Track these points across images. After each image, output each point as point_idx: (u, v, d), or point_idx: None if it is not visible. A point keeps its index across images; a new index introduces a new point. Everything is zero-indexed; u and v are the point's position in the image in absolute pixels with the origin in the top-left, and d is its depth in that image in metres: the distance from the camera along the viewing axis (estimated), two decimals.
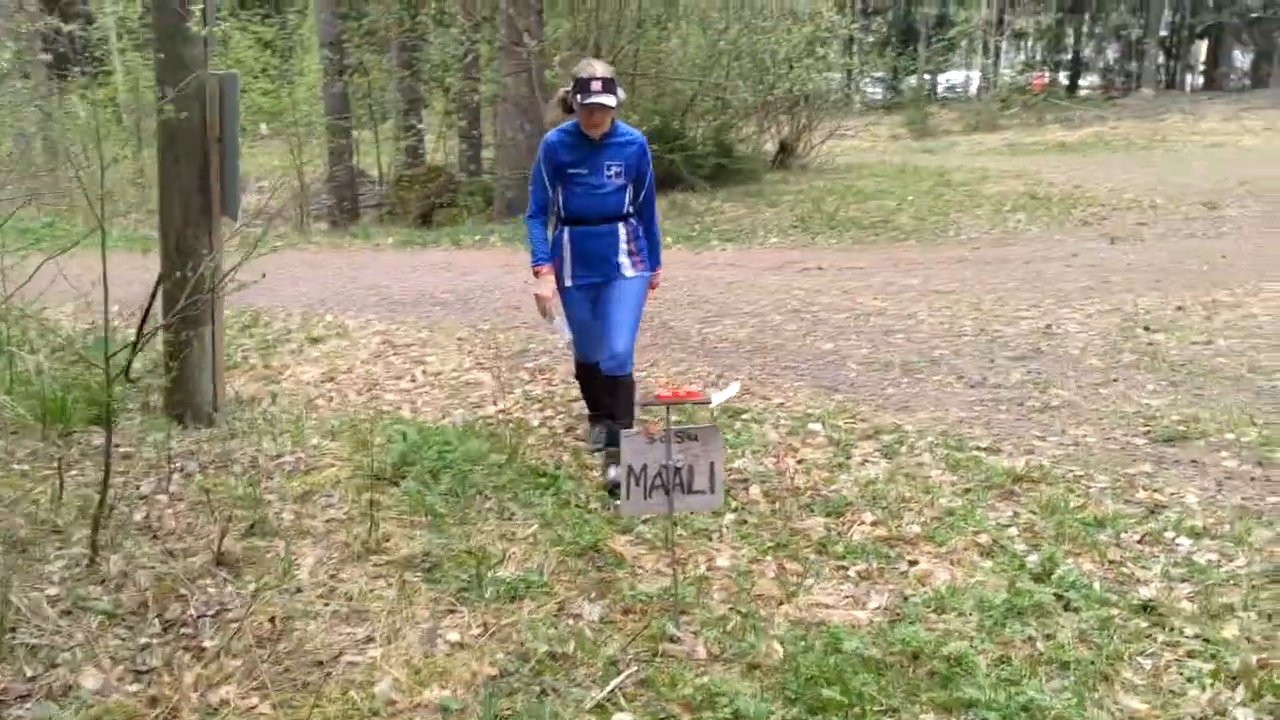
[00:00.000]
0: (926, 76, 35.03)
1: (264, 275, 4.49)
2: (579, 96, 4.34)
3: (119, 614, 3.55)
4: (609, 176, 4.56)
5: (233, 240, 5.59)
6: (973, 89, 36.15)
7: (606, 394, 4.85)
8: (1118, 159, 22.09)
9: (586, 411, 5.33)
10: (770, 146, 19.42)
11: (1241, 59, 35.75)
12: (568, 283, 4.74)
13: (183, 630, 3.49)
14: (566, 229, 4.68)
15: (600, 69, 4.37)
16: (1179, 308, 8.01)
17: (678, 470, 3.30)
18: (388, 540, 4.12)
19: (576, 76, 4.38)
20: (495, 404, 6.13)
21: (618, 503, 4.32)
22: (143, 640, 3.41)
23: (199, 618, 3.57)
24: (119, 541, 3.98)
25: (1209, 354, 6.64)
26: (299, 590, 3.74)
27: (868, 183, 17.39)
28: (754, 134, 18.72)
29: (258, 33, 18.01)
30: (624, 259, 4.69)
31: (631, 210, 4.72)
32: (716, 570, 3.83)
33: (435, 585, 3.74)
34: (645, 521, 4.24)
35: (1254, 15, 33.31)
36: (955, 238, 13.17)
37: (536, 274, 4.69)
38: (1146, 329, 7.33)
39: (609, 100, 4.32)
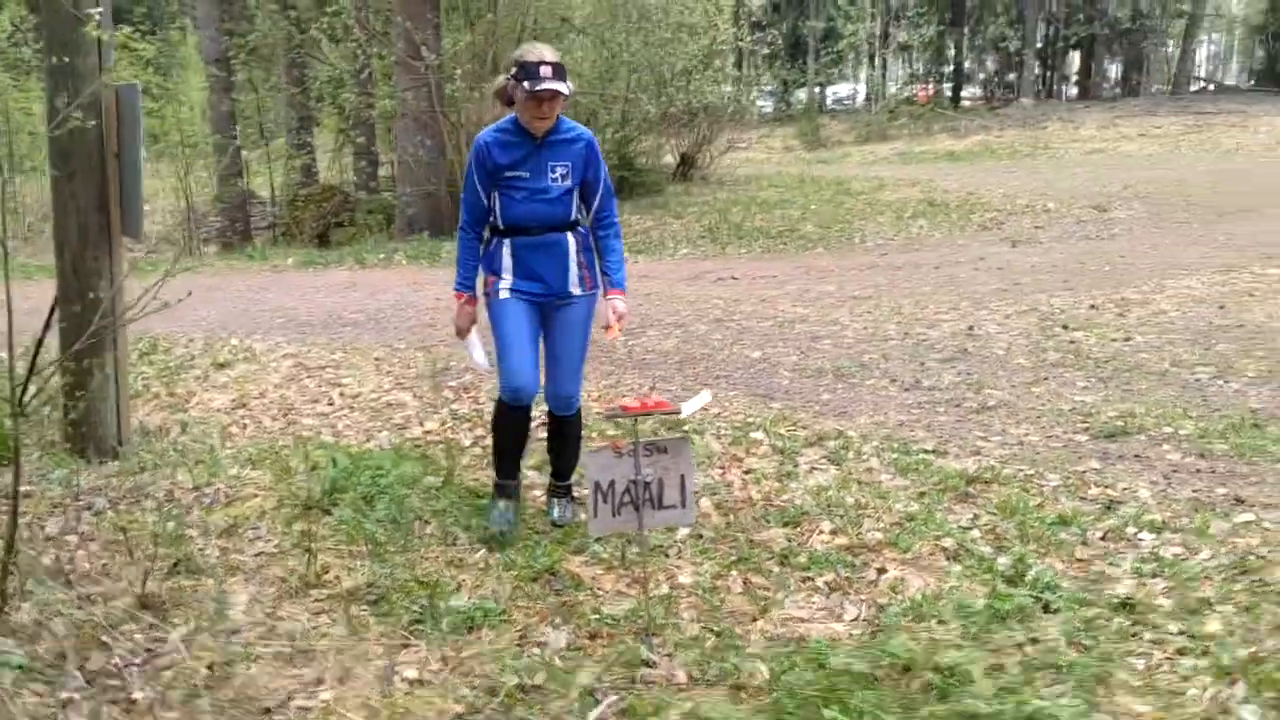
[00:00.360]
0: (816, 89, 35.61)
1: (189, 294, 4.18)
2: (526, 83, 3.65)
3: (35, 667, 3.22)
4: (553, 179, 3.89)
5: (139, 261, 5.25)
6: (860, 101, 36.86)
7: (550, 436, 4.33)
8: (1005, 166, 22.73)
9: (493, 479, 4.35)
10: (670, 159, 19.43)
11: (1112, 69, 37.14)
12: (503, 294, 4.01)
13: (109, 682, 3.18)
14: (506, 240, 3.98)
15: (548, 52, 3.74)
16: (1093, 306, 8.15)
17: (647, 485, 3.13)
18: (327, 572, 3.85)
19: (520, 60, 3.71)
20: (421, 424, 5.88)
21: (556, 517, 4.27)
22: (64, 695, 3.09)
23: (126, 667, 3.27)
24: (28, 589, 3.64)
25: (1129, 350, 6.74)
26: (235, 631, 3.45)
27: (770, 193, 17.50)
28: (654, 147, 18.71)
29: (137, 50, 17.34)
30: (573, 275, 4.02)
31: (580, 218, 4.08)
32: (681, 588, 3.67)
33: (385, 619, 3.49)
34: (599, 540, 4.06)
35: (1123, 27, 34.69)
36: (862, 244, 13.29)
37: (457, 298, 4.10)
38: (1065, 328, 7.42)
39: (561, 86, 3.68)
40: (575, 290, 4.03)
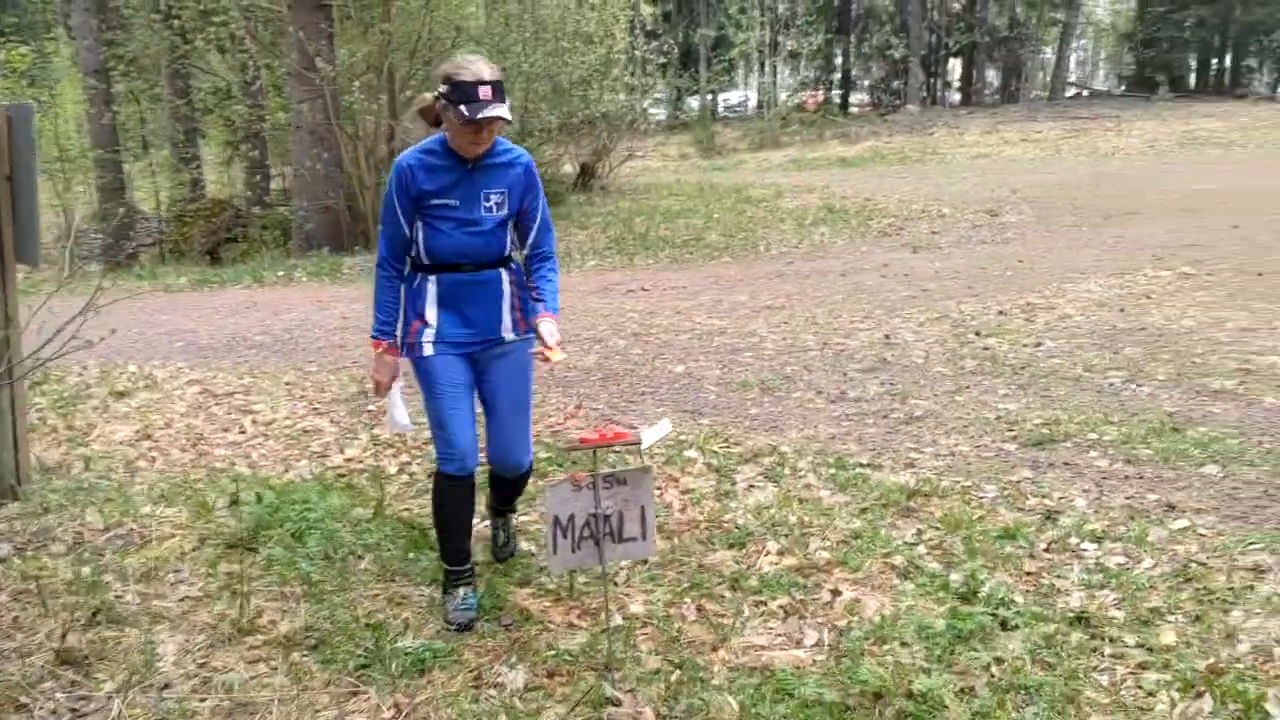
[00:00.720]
0: (708, 97, 35.91)
1: (113, 331, 3.95)
2: (462, 107, 3.13)
3: None
4: (487, 208, 3.38)
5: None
6: (752, 107, 37.30)
7: (499, 494, 3.94)
8: (896, 171, 23.18)
9: (444, 567, 3.70)
10: (569, 169, 19.33)
11: (992, 75, 38.28)
12: (427, 350, 3.45)
13: None
14: (431, 278, 3.43)
15: (486, 69, 3.21)
16: (1001, 312, 8.32)
17: (607, 518, 3.04)
18: (260, 616, 3.67)
19: (454, 79, 3.17)
20: (342, 451, 5.69)
21: (502, 543, 4.07)
22: None
23: None
24: None
25: (1042, 356, 6.88)
26: (167, 685, 3.26)
27: (671, 202, 17.53)
28: (553, 157, 18.59)
29: (10, 60, 16.57)
30: (506, 318, 3.51)
31: (513, 252, 3.58)
32: (634, 618, 3.58)
33: (329, 664, 3.33)
34: (541, 570, 3.96)
35: (1001, 35, 35.79)
36: (767, 253, 13.38)
37: (374, 347, 3.52)
38: (978, 334, 7.55)
39: (503, 111, 3.19)
40: (509, 335, 3.52)
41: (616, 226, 15.04)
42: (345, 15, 14.57)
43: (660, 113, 35.50)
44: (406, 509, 4.69)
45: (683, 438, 5.44)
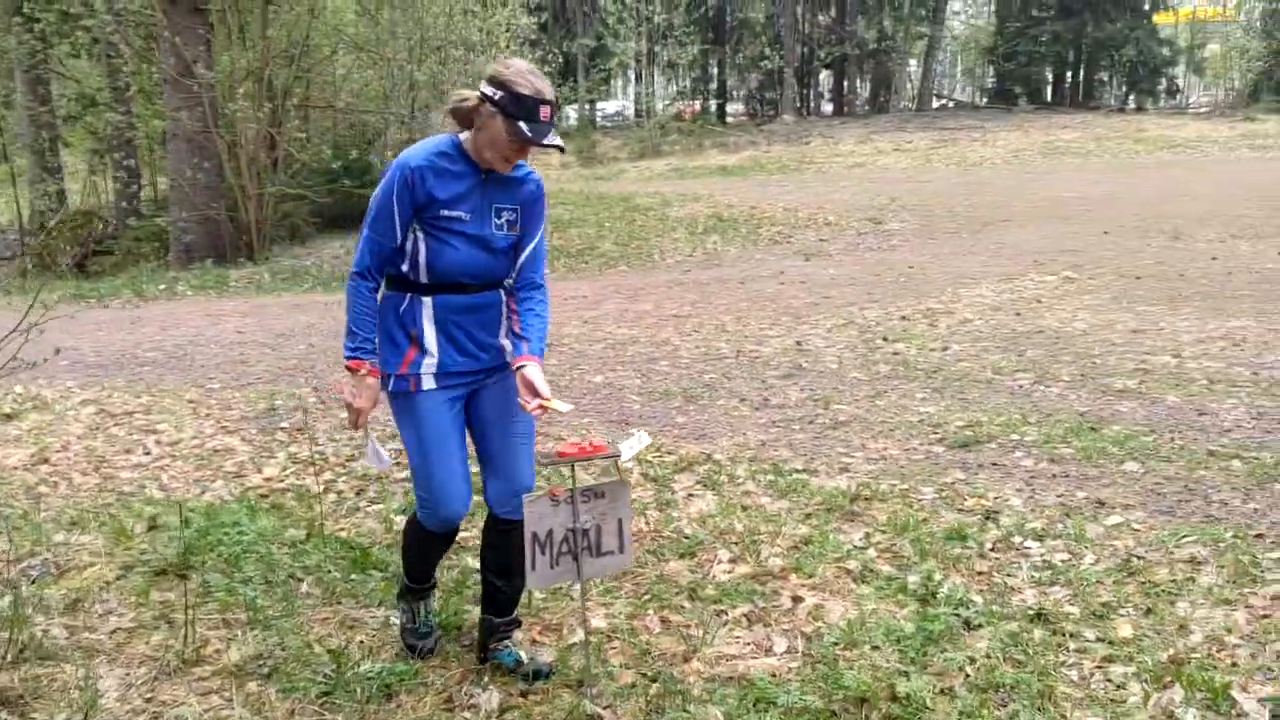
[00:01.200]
0: (587, 106, 35.98)
1: (57, 351, 3.72)
2: (522, 124, 2.77)
3: None
4: (498, 225, 2.99)
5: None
6: (630, 117, 37.52)
7: (495, 553, 3.28)
8: (776, 180, 23.60)
9: (405, 582, 3.41)
10: None
11: (863, 87, 39.34)
12: (427, 384, 3.01)
13: None
14: (428, 300, 2.98)
15: (546, 84, 2.85)
16: (904, 318, 8.52)
17: (585, 532, 2.99)
18: (205, 646, 3.50)
19: (512, 89, 2.78)
20: (259, 471, 5.49)
21: (539, 665, 3.27)
22: None
23: None
24: None
25: (951, 359, 7.07)
26: None
27: (560, 211, 17.46)
28: None
29: None
30: (505, 341, 3.10)
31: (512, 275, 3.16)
32: (599, 633, 3.54)
33: (289, 693, 3.19)
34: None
35: (870, 48, 36.80)
36: (663, 261, 13.46)
37: (352, 369, 3.00)
38: (885, 339, 7.72)
39: (559, 140, 2.90)
40: (509, 359, 3.10)
41: None
42: (223, 20, 14.11)
43: None
44: (342, 529, 4.55)
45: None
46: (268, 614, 3.70)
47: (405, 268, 2.98)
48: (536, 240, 3.14)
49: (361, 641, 3.51)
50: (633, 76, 36.91)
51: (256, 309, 10.62)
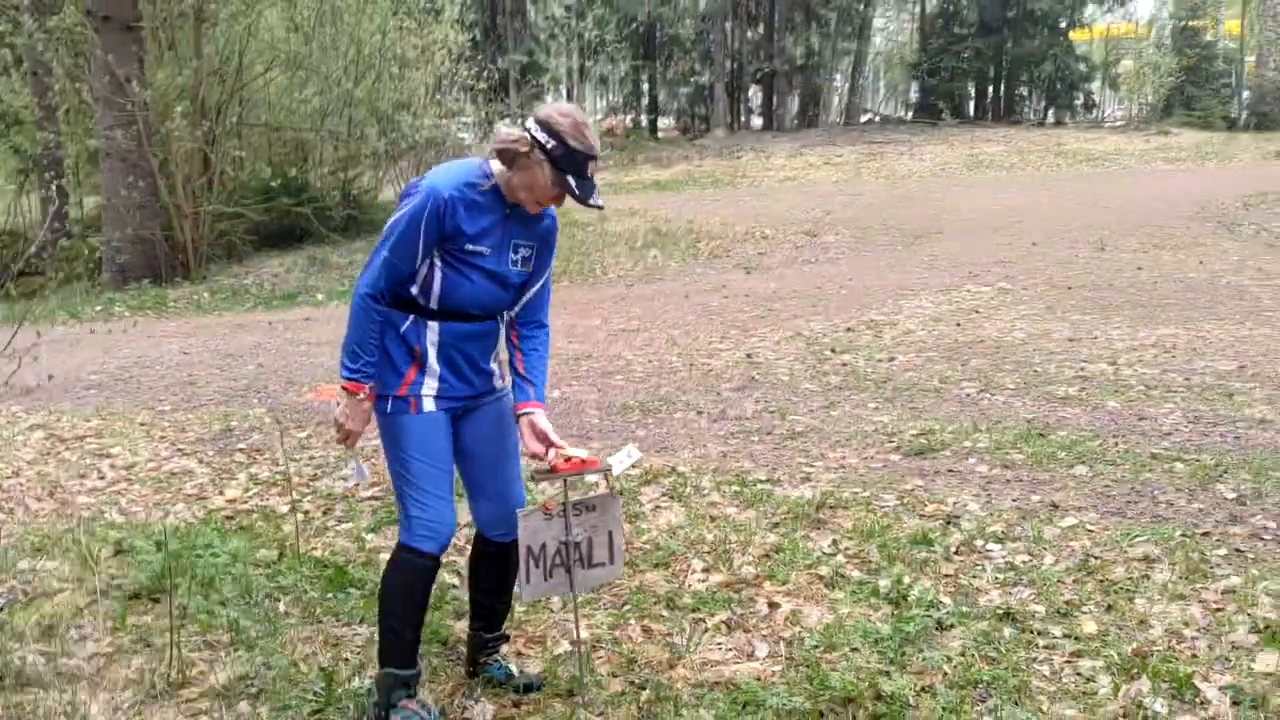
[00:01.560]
0: (519, 122, 35.99)
1: (50, 378, 3.69)
2: (571, 179, 2.77)
3: None
4: (514, 260, 2.96)
5: None
6: None
7: (486, 575, 3.29)
8: (710, 194, 23.85)
9: (388, 672, 3.05)
10: (392, 194, 19.00)
11: (791, 102, 39.88)
12: (428, 405, 2.96)
13: None
14: (435, 324, 2.92)
15: (596, 140, 2.83)
16: (849, 329, 8.72)
17: (577, 545, 3.06)
18: (191, 668, 3.50)
19: (568, 141, 2.74)
20: (221, 493, 5.47)
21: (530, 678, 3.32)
22: None
23: None
24: None
25: (898, 369, 7.26)
26: None
27: None
28: (372, 183, 18.23)
29: None
30: (494, 365, 3.11)
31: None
32: (582, 643, 3.61)
33: (281, 713, 3.21)
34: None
35: (799, 64, 37.37)
36: (605, 276, 13.56)
37: (350, 390, 2.91)
38: (833, 351, 7.90)
39: (600, 201, 2.93)
40: (498, 384, 3.13)
41: None
42: (155, 38, 13.93)
43: (468, 137, 35.35)
44: (314, 549, 4.56)
45: None
46: (250, 634, 3.72)
47: (415, 292, 2.89)
48: (545, 277, 3.11)
49: (347, 659, 3.54)
50: (564, 92, 37.01)
51: (199, 329, 10.50)
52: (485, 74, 20.26)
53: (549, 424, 3.04)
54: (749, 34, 38.15)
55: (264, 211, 14.69)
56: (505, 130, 2.82)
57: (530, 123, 2.81)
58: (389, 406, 2.95)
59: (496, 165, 2.86)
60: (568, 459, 3.02)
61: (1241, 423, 5.65)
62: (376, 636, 3.15)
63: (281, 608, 3.99)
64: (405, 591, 3.03)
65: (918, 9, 41.24)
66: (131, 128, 12.85)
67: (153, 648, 3.66)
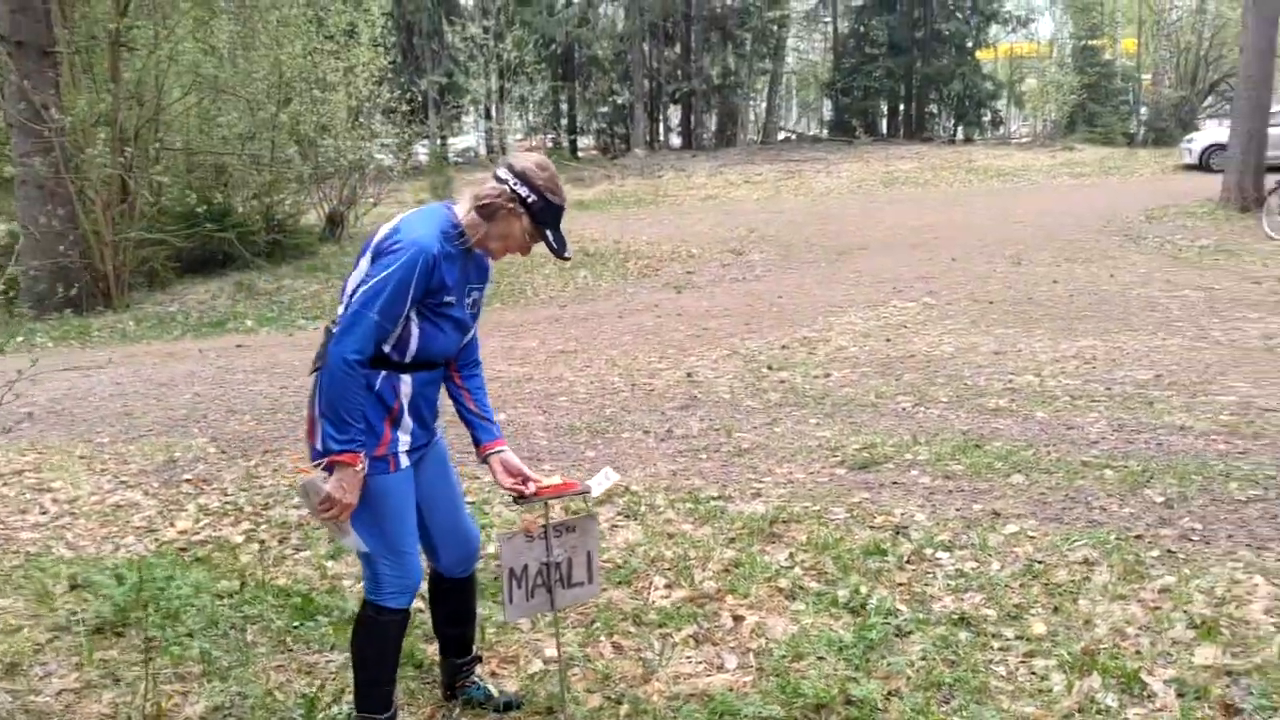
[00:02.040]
0: (439, 143, 35.86)
1: (30, 414, 3.66)
2: (550, 233, 2.87)
3: None
4: (468, 305, 2.98)
5: None
6: (483, 153, 37.55)
7: (451, 607, 3.35)
8: (634, 214, 24.03)
9: (364, 715, 3.06)
10: (313, 218, 18.86)
11: (710, 121, 40.36)
12: (404, 462, 2.92)
13: None
14: (407, 377, 2.87)
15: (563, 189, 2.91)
16: (784, 347, 8.92)
17: (558, 565, 3.16)
18: (168, 700, 3.51)
19: (546, 195, 2.83)
20: (172, 525, 5.44)
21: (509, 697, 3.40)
22: None
23: None
24: None
25: (834, 385, 7.47)
26: None
27: None
28: (297, 208, 18.07)
29: None
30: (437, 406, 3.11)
31: None
32: (553, 662, 3.70)
33: None
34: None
35: (716, 83, 37.84)
36: (536, 297, 13.64)
37: (347, 462, 2.75)
38: (770, 369, 8.09)
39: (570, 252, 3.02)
40: (438, 427, 3.13)
41: None
42: (71, 64, 13.70)
43: (386, 159, 35.09)
44: (275, 577, 4.58)
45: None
46: (221, 665, 3.73)
47: (387, 349, 2.83)
48: (479, 316, 3.13)
49: (324, 685, 3.59)
50: (484, 112, 36.97)
51: (128, 359, 10.33)
52: (407, 96, 20.18)
53: (518, 460, 3.16)
54: (666, 54, 38.55)
55: (187, 238, 14.49)
56: (488, 185, 2.84)
57: (504, 173, 2.83)
58: (370, 468, 2.83)
59: (462, 213, 2.86)
60: (550, 487, 3.14)
61: (1163, 430, 5.95)
62: (351, 672, 3.14)
63: (249, 637, 4.01)
64: (379, 647, 3.03)
65: (830, 29, 42.08)
66: (50, 154, 12.60)
67: (122, 681, 3.66)
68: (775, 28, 37.82)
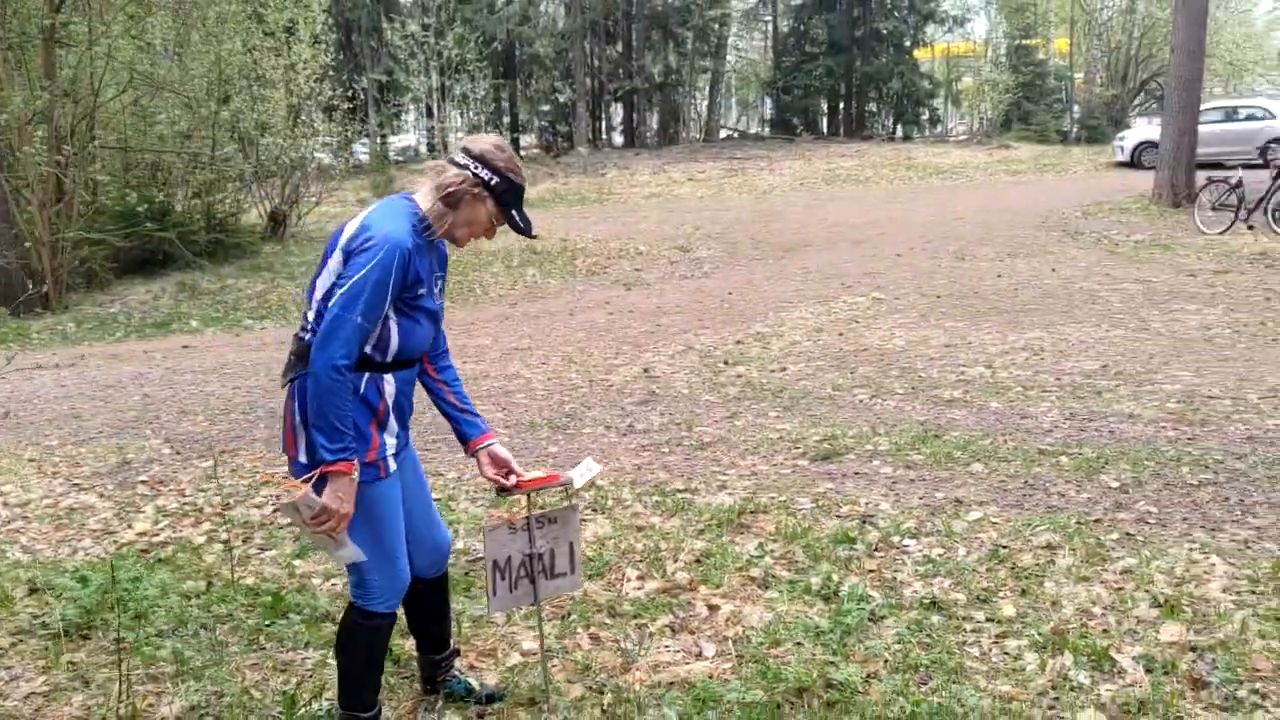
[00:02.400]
0: (379, 141, 35.53)
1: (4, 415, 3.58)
2: (514, 213, 2.85)
3: None
4: (437, 293, 2.93)
5: None
6: (424, 152, 37.30)
7: (427, 605, 3.29)
8: (578, 211, 24.04)
9: (351, 715, 3.03)
10: (254, 217, 18.60)
11: (652, 119, 40.44)
12: (392, 466, 2.87)
13: None
14: (389, 377, 2.82)
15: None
16: (738, 342, 8.99)
17: (540, 556, 3.17)
18: (143, 701, 3.47)
19: (510, 176, 2.81)
20: (130, 526, 5.36)
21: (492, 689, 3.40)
22: None
23: None
24: None
25: (791, 379, 7.55)
26: None
27: None
28: (238, 206, 17.81)
29: None
30: None
31: None
32: (531, 655, 3.71)
33: None
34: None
35: (658, 82, 37.93)
36: (486, 296, 13.59)
37: (341, 471, 2.66)
38: (727, 363, 8.15)
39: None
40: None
41: None
42: (4, 61, 13.37)
43: (326, 157, 34.65)
44: (243, 576, 4.53)
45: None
46: (194, 664, 3.69)
47: (369, 350, 2.74)
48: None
49: (302, 682, 3.56)
50: (425, 111, 36.69)
51: (70, 361, 10.13)
52: (348, 93, 19.98)
53: (507, 451, 3.13)
54: (609, 52, 38.57)
55: (126, 237, 14.22)
56: (452, 171, 2.79)
57: (464, 158, 2.80)
58: (361, 475, 2.75)
59: (427, 203, 2.80)
60: (532, 480, 3.15)
61: (1113, 418, 6.10)
62: (334, 669, 3.13)
63: (220, 637, 3.96)
64: (368, 650, 2.99)
65: (770, 28, 42.38)
66: None
67: (93, 683, 3.61)
68: (716, 25, 38.04)
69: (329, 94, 19.19)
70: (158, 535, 5.21)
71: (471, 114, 38.73)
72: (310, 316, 2.75)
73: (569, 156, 34.71)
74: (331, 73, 20.23)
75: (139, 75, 15.47)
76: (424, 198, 2.82)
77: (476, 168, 2.77)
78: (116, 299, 13.62)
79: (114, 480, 6.09)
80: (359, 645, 2.98)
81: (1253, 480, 4.94)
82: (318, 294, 2.74)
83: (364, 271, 2.63)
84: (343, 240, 2.74)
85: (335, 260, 2.72)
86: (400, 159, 38.25)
